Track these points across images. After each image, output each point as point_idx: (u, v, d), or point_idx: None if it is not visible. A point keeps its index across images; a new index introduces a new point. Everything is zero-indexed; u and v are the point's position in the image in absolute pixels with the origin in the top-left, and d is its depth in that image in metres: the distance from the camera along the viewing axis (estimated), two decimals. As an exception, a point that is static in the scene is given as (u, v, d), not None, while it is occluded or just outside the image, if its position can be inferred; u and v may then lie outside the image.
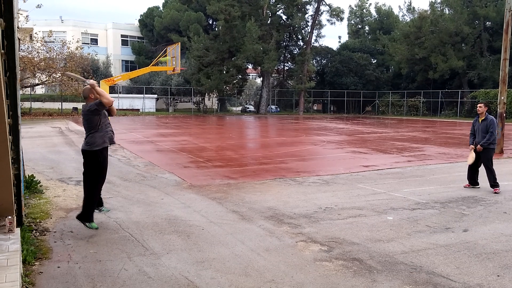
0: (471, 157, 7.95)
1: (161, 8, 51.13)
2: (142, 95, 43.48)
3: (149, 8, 51.57)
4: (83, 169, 5.44)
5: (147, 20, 50.57)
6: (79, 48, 35.83)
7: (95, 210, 5.52)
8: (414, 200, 7.01)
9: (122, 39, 52.82)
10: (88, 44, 48.25)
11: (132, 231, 5.33)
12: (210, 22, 49.37)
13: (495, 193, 7.62)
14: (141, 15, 52.19)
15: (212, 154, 12.83)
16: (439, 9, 43.10)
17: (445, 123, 32.71)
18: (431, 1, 44.05)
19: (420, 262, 4.42)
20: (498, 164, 10.51)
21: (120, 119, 32.20)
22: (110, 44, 52.05)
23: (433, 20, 40.61)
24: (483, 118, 7.96)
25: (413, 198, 7.18)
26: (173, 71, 32.67)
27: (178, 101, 48.89)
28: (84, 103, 5.44)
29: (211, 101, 49.25)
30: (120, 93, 43.12)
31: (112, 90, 43.87)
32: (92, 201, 5.34)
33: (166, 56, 32.07)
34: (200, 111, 46.38)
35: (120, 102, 40.87)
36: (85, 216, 5.30)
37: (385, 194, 7.47)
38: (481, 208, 6.56)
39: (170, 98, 46.07)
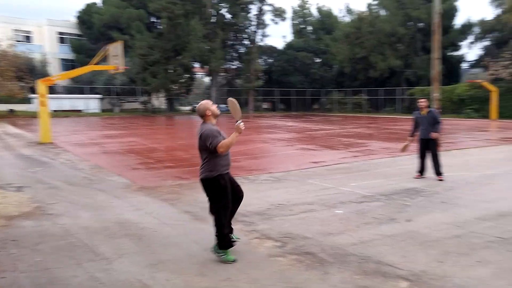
0: (404, 146, 8.79)
1: (100, 5, 49.24)
2: (84, 96, 41.76)
3: (87, 5, 49.40)
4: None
5: (86, 17, 48.45)
6: (11, 46, 33.69)
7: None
8: (361, 194, 7.31)
9: (59, 37, 50.25)
10: (22, 42, 45.55)
11: (80, 236, 5.14)
12: (153, 20, 48.31)
13: (440, 180, 8.24)
14: (79, 12, 49.96)
15: (162, 155, 12.61)
16: (375, 11, 45.04)
17: (387, 119, 34.24)
18: (368, 2, 45.95)
19: (369, 252, 4.63)
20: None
21: (61, 120, 30.74)
22: (46, 42, 49.28)
23: (371, 21, 42.37)
24: (427, 111, 8.54)
25: (360, 191, 7.48)
26: (116, 70, 31.67)
27: (124, 101, 47.43)
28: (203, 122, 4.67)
29: (159, 101, 48.22)
30: (60, 93, 41.16)
31: (52, 90, 41.79)
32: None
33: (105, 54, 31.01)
34: (148, 111, 45.28)
35: (61, 103, 39.03)
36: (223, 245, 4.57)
37: (334, 189, 7.72)
38: (422, 198, 6.96)
39: (115, 98, 44.60)
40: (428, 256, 4.52)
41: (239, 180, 8.47)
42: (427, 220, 5.75)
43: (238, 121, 4.65)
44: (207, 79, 59.04)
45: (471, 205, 6.47)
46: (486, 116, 33.30)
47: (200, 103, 4.74)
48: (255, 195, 7.25)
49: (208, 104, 4.69)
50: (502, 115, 32.90)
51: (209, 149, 4.52)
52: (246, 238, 5.12)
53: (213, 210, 4.64)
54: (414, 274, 4.07)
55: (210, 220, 5.74)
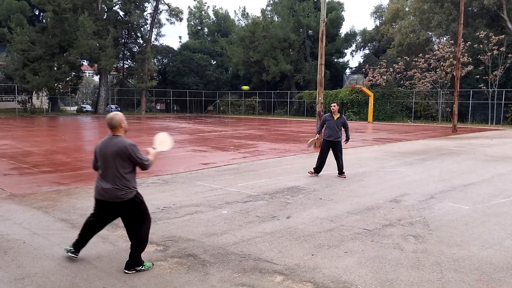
0: (311, 141, 9.67)
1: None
2: None
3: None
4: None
5: (-46, 6, 42.68)
6: None
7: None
8: (246, 193, 7.53)
9: None
10: None
11: None
12: (37, 13, 44.30)
13: (343, 177, 9.03)
14: None
15: (40, 159, 11.59)
16: (269, 16, 46.91)
17: (278, 121, 35.78)
18: (262, 8, 47.69)
19: (249, 250, 4.79)
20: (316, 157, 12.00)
21: None
22: None
23: (265, 26, 44.02)
24: (337, 116, 9.14)
25: (246, 191, 7.71)
26: (-12, 65, 28.36)
27: (-1, 100, 42.65)
28: (114, 135, 4.29)
29: (41, 100, 44.25)
30: None
31: None
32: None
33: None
34: (26, 112, 41.25)
35: (114, 112, 33.72)
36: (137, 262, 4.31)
37: (221, 190, 7.84)
38: (302, 196, 7.41)
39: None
40: (302, 250, 4.82)
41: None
42: (305, 216, 6.14)
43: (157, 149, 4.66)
44: (96, 78, 55.79)
45: (343, 201, 7.07)
46: (364, 118, 36.65)
47: (114, 113, 4.42)
48: (140, 199, 7.03)
49: (123, 116, 4.41)
50: (377, 117, 36.57)
51: (134, 165, 4.28)
52: (126, 244, 4.94)
53: (142, 231, 4.38)
54: (288, 268, 4.31)
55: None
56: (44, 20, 41.45)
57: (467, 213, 6.40)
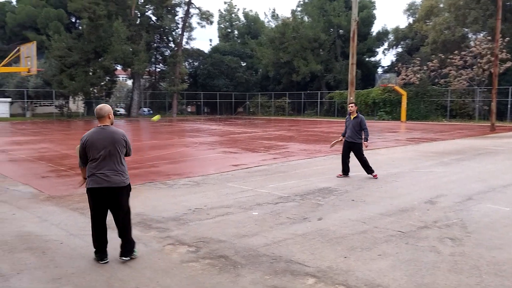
0: (334, 142, 9.62)
1: (15, 3, 45.76)
2: (-9, 99, 38.43)
3: (0, 3, 45.75)
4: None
5: (-2, 16, 44.85)
6: None
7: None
8: (277, 195, 7.50)
9: (-34, 36, 45.88)
10: None
11: (-26, 253, 4.70)
12: (73, 20, 45.85)
13: (375, 177, 8.80)
14: (-10, 11, 46.06)
15: (76, 161, 11.90)
16: (299, 17, 46.68)
17: (308, 121, 35.54)
18: (292, 9, 47.57)
19: (280, 252, 4.75)
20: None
21: (-37, 126, 27.98)
22: (-49, 41, 44.84)
23: (295, 27, 43.83)
24: (354, 116, 9.02)
25: (277, 192, 7.68)
26: (28, 72, 29.52)
27: (38, 105, 44.31)
28: (104, 125, 4.53)
29: (77, 105, 45.74)
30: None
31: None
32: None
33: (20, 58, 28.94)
34: (63, 116, 42.73)
35: (103, 104, 35.49)
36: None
37: (252, 191, 7.84)
38: (333, 197, 7.30)
39: (27, 101, 41.52)
40: (334, 252, 4.74)
41: (157, 186, 8.35)
42: (337, 218, 6.05)
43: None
44: (129, 82, 57.16)
45: (376, 202, 6.92)
46: (397, 118, 35.86)
47: (103, 104, 4.71)
48: (172, 201, 7.14)
49: (111, 109, 4.71)
50: (411, 117, 35.69)
51: (125, 153, 4.63)
52: (159, 245, 5.02)
53: (130, 215, 4.68)
54: (320, 271, 4.25)
55: (121, 228, 5.57)
56: (80, 27, 42.83)
57: (507, 215, 6.13)
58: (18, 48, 30.85)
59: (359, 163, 9.10)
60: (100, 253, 4.52)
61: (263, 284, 3.95)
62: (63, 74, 38.33)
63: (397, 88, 35.04)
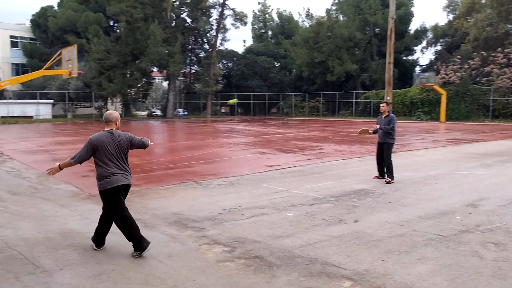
0: (363, 130, 9.25)
1: (56, 8, 47.67)
2: (35, 101, 40.12)
3: (42, 8, 47.71)
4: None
5: (40, 20, 46.76)
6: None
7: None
8: (312, 196, 7.43)
9: (11, 41, 48.13)
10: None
11: (20, 248, 4.92)
12: (111, 24, 47.27)
13: (387, 182, 8.46)
14: (33, 15, 48.10)
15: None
16: (334, 16, 46.13)
17: (342, 122, 35.06)
18: (327, 8, 47.06)
19: (316, 254, 4.71)
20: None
21: (10, 127, 29.38)
22: (-3, 45, 47.23)
23: (329, 26, 43.36)
24: (386, 115, 8.84)
25: (311, 194, 7.61)
26: (69, 74, 30.68)
27: (78, 106, 45.96)
28: (111, 129, 4.89)
29: (115, 106, 47.11)
30: (10, 99, 39.36)
31: (0, 96, 39.90)
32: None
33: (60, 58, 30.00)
34: (102, 117, 44.11)
35: (10, 109, 37.32)
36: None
37: (286, 192, 7.81)
38: (370, 199, 7.17)
39: (68, 103, 43.14)
40: (371, 255, 4.65)
41: (192, 186, 8.46)
42: (373, 220, 5.93)
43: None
44: (165, 84, 58.29)
45: (415, 205, 6.74)
46: (435, 118, 34.79)
47: (113, 110, 5.07)
48: (208, 200, 7.21)
49: (119, 116, 5.13)
50: (451, 117, 34.52)
51: (140, 146, 5.11)
52: (195, 244, 5.08)
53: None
54: (357, 273, 4.17)
55: (160, 227, 5.69)
56: (118, 30, 44.09)
57: (557, 220, 5.81)
58: (60, 51, 32.11)
59: (384, 163, 8.82)
60: (98, 242, 4.98)
61: (298, 286, 3.92)
62: (102, 77, 39.58)
63: (436, 87, 33.99)
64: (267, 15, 62.19)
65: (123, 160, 4.84)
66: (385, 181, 8.54)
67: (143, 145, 5.08)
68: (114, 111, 5.07)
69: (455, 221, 5.82)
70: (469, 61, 35.39)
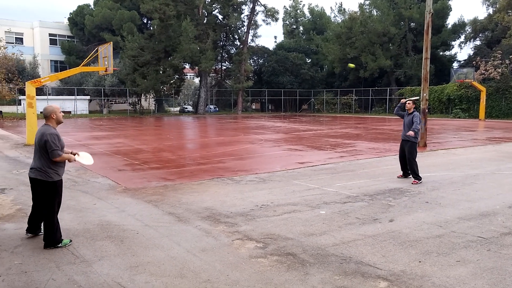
0: (408, 100, 8.91)
1: (92, 6, 49.02)
2: (73, 97, 41.44)
3: (79, 6, 49.18)
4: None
5: (78, 19, 48.24)
6: (2, 48, 33.37)
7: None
8: (345, 194, 7.33)
9: (50, 38, 49.88)
10: (13, 43, 45.00)
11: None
12: (145, 21, 48.15)
13: (413, 183, 8.14)
14: (70, 13, 49.65)
15: (149, 156, 12.54)
16: (367, 11, 45.20)
17: (375, 119, 34.41)
18: (360, 2, 46.13)
19: (350, 253, 4.64)
20: (422, 157, 11.28)
21: (49, 122, 30.44)
22: (37, 43, 48.93)
23: (363, 21, 42.52)
24: (410, 112, 8.62)
25: (345, 192, 7.51)
26: (105, 71, 31.41)
27: (113, 102, 47.18)
28: (46, 126, 4.99)
29: (148, 102, 48.05)
30: (49, 95, 40.80)
31: (40, 92, 41.42)
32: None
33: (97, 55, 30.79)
34: (136, 112, 45.09)
35: (50, 104, 38.66)
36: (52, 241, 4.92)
37: (319, 189, 7.73)
38: (406, 199, 7.00)
39: (104, 99, 44.34)
40: (408, 256, 4.54)
41: (224, 181, 8.52)
42: (410, 220, 5.78)
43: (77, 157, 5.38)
44: (196, 80, 58.90)
45: (453, 205, 6.52)
46: (474, 116, 33.61)
47: (49, 105, 5.14)
48: (240, 196, 7.24)
49: (56, 109, 5.09)
50: (490, 115, 33.27)
51: (47, 153, 4.90)
52: (228, 239, 5.11)
53: (46, 210, 4.90)
54: (393, 274, 4.08)
55: (193, 222, 5.76)
56: (151, 28, 44.86)
57: None
58: (96, 48, 32.97)
59: (407, 161, 8.53)
60: (30, 229, 5.24)
61: (332, 284, 3.87)
62: (136, 73, 40.41)
63: (475, 83, 32.78)
64: (298, 11, 61.73)
65: (37, 155, 4.95)
66: (412, 183, 8.22)
67: (50, 156, 4.88)
68: (50, 105, 5.14)
69: (497, 223, 5.60)
70: (511, 56, 33.94)
